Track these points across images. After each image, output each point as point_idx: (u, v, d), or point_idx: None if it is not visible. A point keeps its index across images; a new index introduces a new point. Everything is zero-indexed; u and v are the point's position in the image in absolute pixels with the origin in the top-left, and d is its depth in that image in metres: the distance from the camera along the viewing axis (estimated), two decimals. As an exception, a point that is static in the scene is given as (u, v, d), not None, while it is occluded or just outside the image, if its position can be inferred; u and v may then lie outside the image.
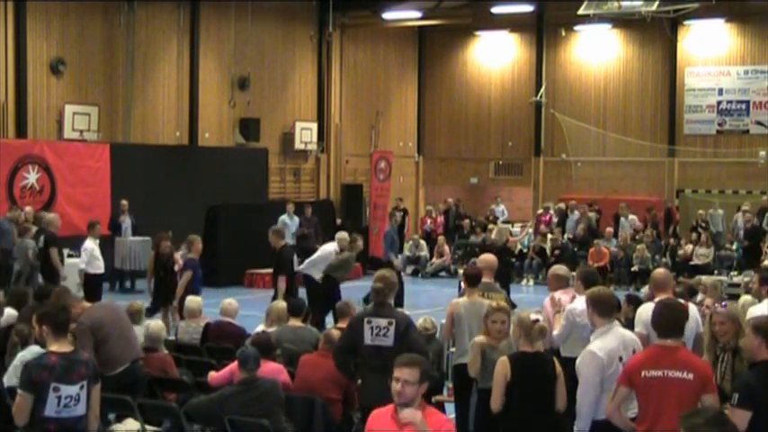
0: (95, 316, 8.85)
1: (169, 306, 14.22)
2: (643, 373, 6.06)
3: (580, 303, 8.40)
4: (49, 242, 15.76)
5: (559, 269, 9.58)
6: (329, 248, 16.37)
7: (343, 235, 17.22)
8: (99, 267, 15.56)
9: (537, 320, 7.05)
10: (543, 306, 9.18)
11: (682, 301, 8.18)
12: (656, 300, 7.78)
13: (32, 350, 7.99)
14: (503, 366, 6.88)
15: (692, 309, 8.20)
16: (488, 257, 10.34)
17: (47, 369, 5.95)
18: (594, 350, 6.65)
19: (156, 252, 15.05)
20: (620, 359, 6.63)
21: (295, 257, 14.33)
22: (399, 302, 17.83)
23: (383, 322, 7.94)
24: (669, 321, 6.21)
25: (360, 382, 8.18)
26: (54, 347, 6.10)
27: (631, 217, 25.24)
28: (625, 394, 6.22)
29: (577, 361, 6.81)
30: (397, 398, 5.22)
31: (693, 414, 4.68)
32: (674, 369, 6.00)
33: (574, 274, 9.57)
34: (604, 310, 6.85)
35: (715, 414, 4.71)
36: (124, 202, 20.81)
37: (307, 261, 16.01)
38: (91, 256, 15.43)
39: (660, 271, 8.92)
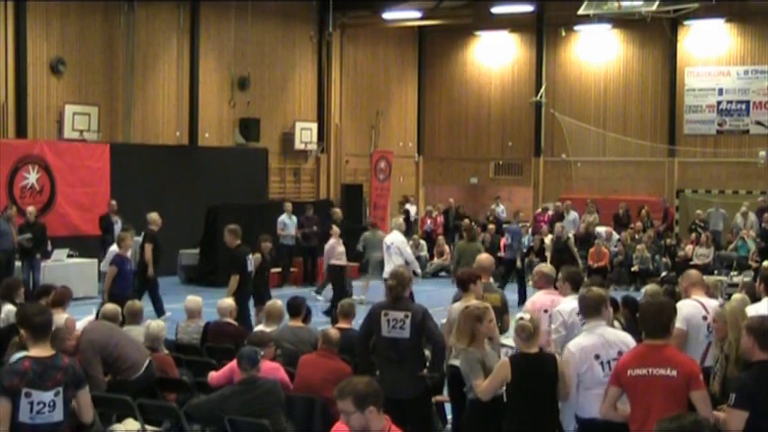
0: (94, 338, 8.82)
1: (261, 306, 14.51)
2: (629, 372, 6.13)
3: (567, 304, 8.37)
4: (147, 238, 16.49)
5: (545, 267, 9.64)
6: (399, 238, 17.06)
7: (399, 220, 18.39)
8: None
9: (521, 318, 7.06)
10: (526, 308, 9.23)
11: (710, 300, 8.21)
12: (694, 297, 7.89)
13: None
14: (504, 368, 6.94)
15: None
16: (484, 258, 10.38)
17: (18, 375, 5.86)
18: (569, 346, 6.88)
19: (262, 254, 15.36)
20: (597, 357, 6.72)
21: (250, 258, 14.36)
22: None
23: (399, 315, 8.13)
24: (655, 321, 6.25)
25: (378, 372, 8.34)
26: (33, 351, 6.00)
27: (573, 214, 25.49)
28: (616, 394, 6.28)
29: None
30: (351, 429, 4.99)
31: (670, 420, 4.57)
32: (658, 366, 6.05)
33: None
34: (587, 310, 7.01)
35: (693, 420, 4.58)
36: (113, 202, 20.73)
37: (406, 262, 16.58)
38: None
39: (693, 270, 9.05)
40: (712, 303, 8.12)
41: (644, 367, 6.08)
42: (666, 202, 27.67)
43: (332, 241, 18.80)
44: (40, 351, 6.00)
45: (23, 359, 5.97)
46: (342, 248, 18.76)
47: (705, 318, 7.90)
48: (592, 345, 6.76)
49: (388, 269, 17.02)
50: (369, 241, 20.25)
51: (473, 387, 7.32)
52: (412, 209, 29.27)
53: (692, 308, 7.78)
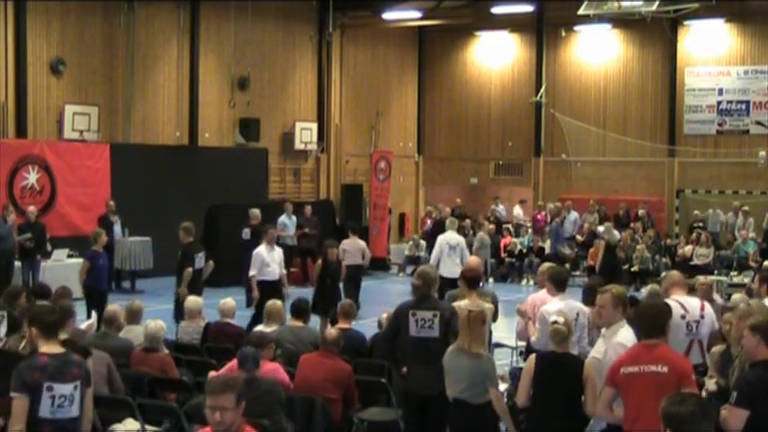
0: None
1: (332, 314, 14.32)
2: (622, 371, 6.16)
3: (553, 306, 8.35)
4: (256, 234, 17.32)
5: (545, 266, 9.66)
6: (438, 239, 16.76)
7: (454, 220, 18.42)
8: (268, 274, 14.83)
9: (555, 322, 7.07)
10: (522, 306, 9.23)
11: (690, 299, 8.24)
12: (673, 297, 7.90)
13: None
14: (530, 364, 7.00)
15: (708, 307, 8.27)
16: (473, 260, 10.36)
17: (38, 369, 5.90)
18: (624, 342, 6.77)
19: (324, 260, 15.05)
20: None
21: (199, 255, 14.41)
22: None
23: (428, 315, 8.16)
24: (651, 322, 6.30)
25: (404, 370, 8.39)
26: (44, 348, 6.05)
27: (573, 214, 25.40)
28: (610, 395, 6.29)
29: (602, 355, 6.92)
30: (216, 426, 4.92)
31: (679, 403, 4.52)
32: (649, 364, 6.09)
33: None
34: (625, 307, 7.07)
35: (699, 402, 4.59)
36: (111, 202, 20.76)
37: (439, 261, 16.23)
38: (261, 263, 14.84)
39: (675, 272, 9.07)
40: (692, 302, 8.18)
41: (636, 365, 6.12)
42: (642, 207, 26.94)
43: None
44: (52, 348, 6.06)
45: (39, 355, 6.02)
46: None
47: (684, 317, 7.99)
48: (634, 339, 6.83)
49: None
50: (482, 242, 21.41)
51: (492, 394, 7.28)
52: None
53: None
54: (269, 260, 14.85)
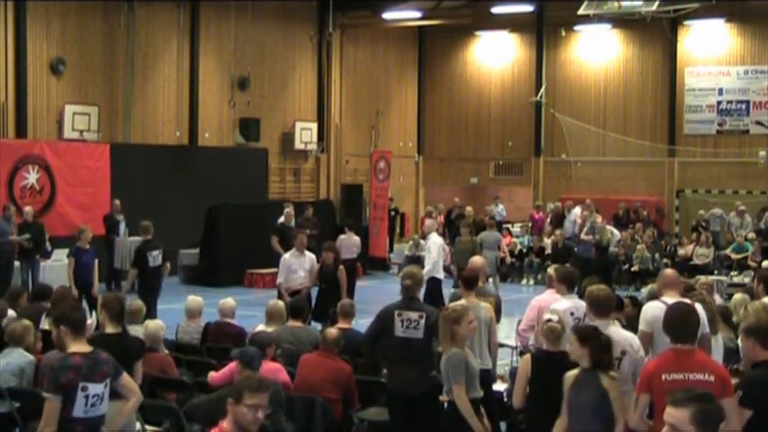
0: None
1: (327, 320, 13.30)
2: (663, 377, 5.91)
3: (562, 304, 8.33)
4: (276, 231, 18.42)
5: (549, 268, 9.68)
6: (438, 241, 16.43)
7: (432, 223, 18.39)
8: (294, 281, 14.07)
9: (549, 320, 7.06)
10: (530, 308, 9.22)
11: (688, 301, 8.18)
12: (661, 299, 7.83)
13: (18, 352, 7.97)
14: (525, 364, 6.99)
15: (699, 308, 8.20)
16: (477, 260, 10.32)
17: (74, 369, 5.87)
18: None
19: (321, 264, 14.20)
20: None
21: (153, 253, 14.39)
22: None
23: (414, 315, 8.21)
24: (683, 325, 6.12)
25: (385, 371, 8.49)
26: (74, 348, 6.02)
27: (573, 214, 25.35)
28: (646, 402, 6.07)
29: None
30: (253, 426, 5.02)
31: (695, 395, 4.23)
32: (694, 371, 5.87)
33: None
34: (599, 309, 6.97)
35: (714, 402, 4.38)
36: (117, 201, 20.75)
37: (428, 263, 15.70)
38: (288, 270, 14.12)
39: (670, 270, 8.95)
40: None
41: (680, 372, 5.86)
42: (639, 209, 26.89)
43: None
44: (81, 347, 6.05)
45: (72, 355, 5.99)
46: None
47: None
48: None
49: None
50: (484, 240, 20.98)
51: (453, 391, 7.11)
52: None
53: (657, 310, 7.48)
54: (296, 267, 14.08)
